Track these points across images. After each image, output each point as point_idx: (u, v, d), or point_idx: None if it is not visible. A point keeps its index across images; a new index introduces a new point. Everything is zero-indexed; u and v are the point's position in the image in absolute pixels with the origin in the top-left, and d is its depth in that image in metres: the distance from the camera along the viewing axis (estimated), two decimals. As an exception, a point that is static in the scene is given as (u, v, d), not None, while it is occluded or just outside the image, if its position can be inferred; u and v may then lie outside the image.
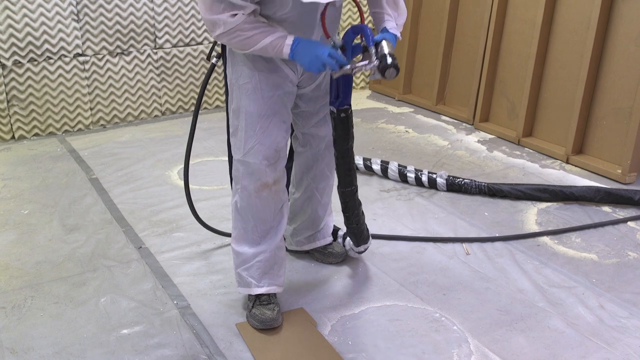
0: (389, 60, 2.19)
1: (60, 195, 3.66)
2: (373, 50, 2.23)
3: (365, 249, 2.88)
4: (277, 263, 2.55)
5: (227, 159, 2.76)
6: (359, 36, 2.33)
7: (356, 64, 2.24)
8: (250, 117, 2.35)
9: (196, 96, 5.14)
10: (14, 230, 3.28)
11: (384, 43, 2.24)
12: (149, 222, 3.35)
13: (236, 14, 2.11)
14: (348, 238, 2.90)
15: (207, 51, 5.04)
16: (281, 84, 2.36)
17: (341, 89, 2.41)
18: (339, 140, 2.48)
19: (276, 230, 2.51)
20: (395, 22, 2.41)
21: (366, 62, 2.22)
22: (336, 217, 2.99)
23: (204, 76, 5.09)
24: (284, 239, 2.67)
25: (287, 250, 2.94)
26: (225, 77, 2.50)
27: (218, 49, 2.65)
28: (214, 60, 2.63)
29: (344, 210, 2.65)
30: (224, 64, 2.51)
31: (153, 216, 3.41)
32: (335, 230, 3.01)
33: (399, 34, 2.37)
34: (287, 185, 2.69)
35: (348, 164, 2.54)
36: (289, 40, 2.17)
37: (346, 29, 2.36)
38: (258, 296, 2.54)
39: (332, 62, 2.17)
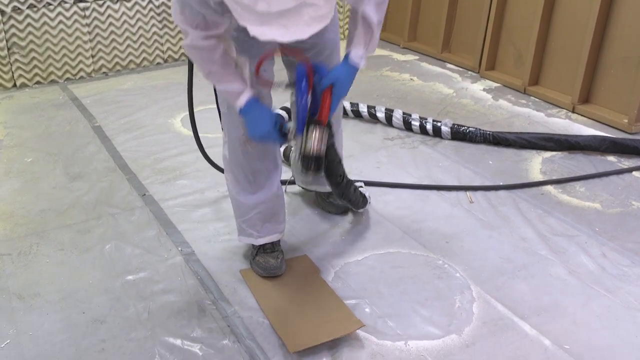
0: (305, 163, 2.13)
1: (63, 144, 3.65)
2: (290, 130, 2.16)
3: (365, 208, 2.89)
4: (276, 211, 2.53)
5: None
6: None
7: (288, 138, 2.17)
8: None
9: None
10: (18, 178, 3.28)
11: (310, 133, 2.12)
12: (152, 170, 3.34)
13: (207, 37, 2.00)
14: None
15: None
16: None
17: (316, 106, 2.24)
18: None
19: (270, 179, 2.47)
20: (363, 51, 2.19)
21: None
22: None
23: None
24: (283, 184, 2.65)
25: (294, 184, 2.96)
26: None
27: None
28: None
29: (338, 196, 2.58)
30: None
31: (156, 164, 3.41)
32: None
33: (362, 64, 2.19)
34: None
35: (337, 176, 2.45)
36: (242, 100, 2.11)
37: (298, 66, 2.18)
38: (261, 245, 2.55)
39: (271, 140, 2.16)
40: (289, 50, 2.24)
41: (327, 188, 2.77)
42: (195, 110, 2.89)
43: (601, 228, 2.86)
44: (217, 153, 3.32)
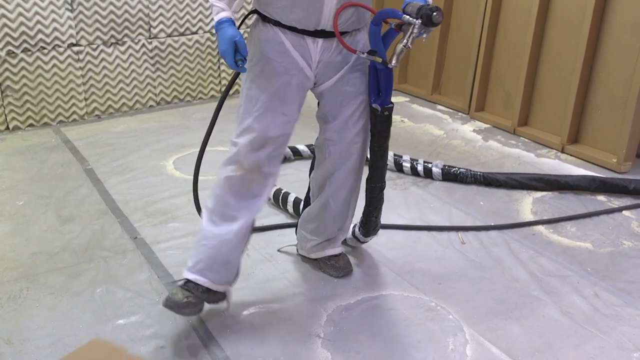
0: (426, 9, 2.10)
1: (55, 186, 3.65)
2: (407, 18, 2.15)
3: (370, 240, 2.89)
4: (221, 260, 2.41)
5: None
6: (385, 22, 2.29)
7: (398, 46, 2.18)
8: (250, 100, 2.36)
9: (191, 86, 5.12)
10: (9, 221, 3.27)
11: (411, 4, 2.17)
12: (144, 213, 3.34)
13: None
14: (356, 227, 2.86)
15: (202, 41, 5.03)
16: (288, 74, 2.33)
17: (382, 87, 2.38)
18: (380, 137, 2.48)
19: (234, 221, 2.40)
20: None
21: (408, 32, 2.15)
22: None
23: (199, 66, 5.10)
24: (285, 205, 2.73)
25: (298, 253, 2.93)
26: None
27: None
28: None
29: (369, 204, 2.66)
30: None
31: (148, 206, 3.41)
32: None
33: None
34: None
35: (383, 161, 2.55)
36: (219, 16, 2.20)
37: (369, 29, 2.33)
38: (187, 279, 2.42)
39: (230, 61, 2.16)
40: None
41: (327, 252, 2.80)
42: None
43: (593, 268, 2.87)
44: (207, 196, 3.32)
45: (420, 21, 2.11)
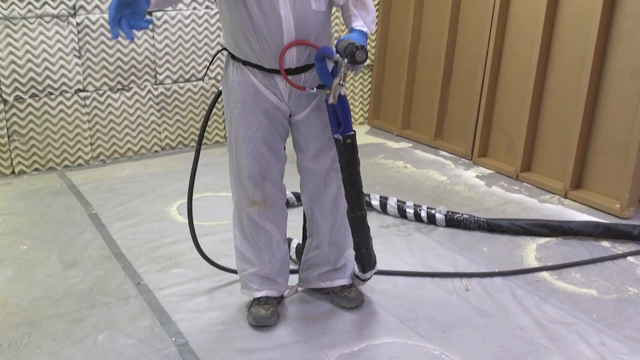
0: (351, 47, 2.23)
1: (59, 231, 3.66)
2: (336, 57, 2.28)
3: (372, 276, 2.86)
4: (277, 272, 2.76)
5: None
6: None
7: (334, 83, 2.31)
8: (237, 140, 2.55)
9: (196, 131, 5.17)
10: (12, 265, 3.27)
11: (341, 43, 2.29)
12: (147, 258, 3.34)
13: None
14: (355, 266, 2.87)
15: (207, 87, 5.09)
16: (266, 112, 2.49)
17: (341, 117, 2.45)
18: (347, 165, 2.52)
19: (277, 240, 2.71)
20: (363, 20, 2.45)
21: (340, 70, 2.28)
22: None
23: (204, 112, 5.15)
24: (289, 249, 2.88)
25: (305, 287, 2.99)
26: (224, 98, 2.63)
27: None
28: (221, 87, 2.65)
29: (354, 235, 2.67)
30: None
31: (152, 252, 3.41)
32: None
33: (366, 29, 2.43)
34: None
35: (357, 189, 2.57)
36: None
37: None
38: (258, 297, 2.74)
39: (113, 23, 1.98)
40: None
41: (337, 282, 2.86)
42: (195, 197, 2.94)
43: (599, 315, 2.85)
44: (213, 241, 3.36)
45: (346, 60, 2.24)
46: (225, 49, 2.55)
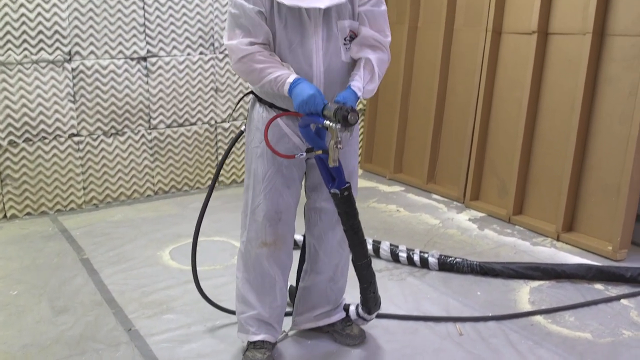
0: (341, 112, 2.24)
1: (50, 276, 3.63)
2: (327, 123, 2.30)
3: (374, 316, 2.90)
4: (277, 319, 2.76)
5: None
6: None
7: (331, 146, 2.33)
8: (256, 178, 2.59)
9: (189, 175, 5.18)
10: (2, 312, 3.23)
11: (328, 105, 2.31)
12: (139, 304, 3.31)
13: (251, 43, 2.33)
14: (352, 308, 2.93)
15: (201, 132, 5.13)
16: (288, 152, 2.52)
17: (334, 172, 2.47)
18: (348, 216, 2.54)
19: (279, 285, 2.72)
20: (362, 83, 2.45)
21: (334, 135, 2.30)
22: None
23: (197, 156, 5.17)
24: (289, 296, 2.88)
25: (303, 328, 2.98)
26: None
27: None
28: (243, 127, 2.73)
29: (361, 282, 2.70)
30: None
31: (144, 297, 3.38)
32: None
33: (359, 93, 2.42)
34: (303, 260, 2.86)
35: (359, 238, 2.60)
36: (291, 78, 2.32)
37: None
38: (254, 341, 2.74)
39: (316, 105, 2.28)
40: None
41: (334, 318, 2.91)
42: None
43: (593, 359, 2.83)
44: (206, 286, 3.32)
45: (339, 125, 2.26)
46: (252, 91, 2.63)
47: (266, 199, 2.58)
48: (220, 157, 5.27)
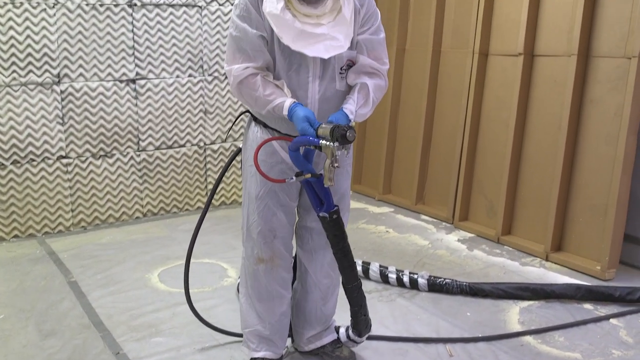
0: (339, 130, 2.25)
1: (37, 299, 3.60)
2: (324, 143, 2.30)
3: (365, 339, 2.90)
4: (276, 335, 2.76)
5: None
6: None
7: (326, 166, 2.33)
8: (250, 197, 2.62)
9: (178, 197, 5.17)
10: (-12, 336, 3.20)
11: (323, 125, 2.31)
12: (127, 327, 3.29)
13: (250, 68, 2.35)
14: (342, 330, 2.92)
15: (190, 153, 5.13)
16: (282, 172, 2.56)
17: (322, 196, 2.48)
18: (336, 239, 2.55)
19: (278, 302, 2.72)
20: (355, 106, 2.47)
21: (329, 154, 2.29)
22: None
23: (186, 177, 5.17)
24: (291, 309, 2.85)
25: (295, 349, 2.99)
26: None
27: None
28: (240, 145, 2.76)
29: (352, 304, 2.69)
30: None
31: (132, 320, 3.36)
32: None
33: (351, 116, 2.44)
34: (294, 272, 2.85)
35: (349, 260, 2.60)
36: (287, 103, 2.36)
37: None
38: (255, 358, 2.75)
39: (309, 128, 2.31)
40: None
41: (325, 340, 2.91)
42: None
43: (583, 380, 2.83)
44: (197, 309, 3.30)
45: (337, 143, 2.27)
46: (248, 111, 2.67)
47: (260, 217, 2.60)
48: (209, 179, 5.27)
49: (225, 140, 2.63)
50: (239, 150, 2.76)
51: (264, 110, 2.40)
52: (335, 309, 2.93)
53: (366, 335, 2.85)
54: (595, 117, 3.98)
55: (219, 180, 2.85)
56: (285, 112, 2.36)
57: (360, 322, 2.74)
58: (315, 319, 2.87)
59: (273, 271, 2.67)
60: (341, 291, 2.73)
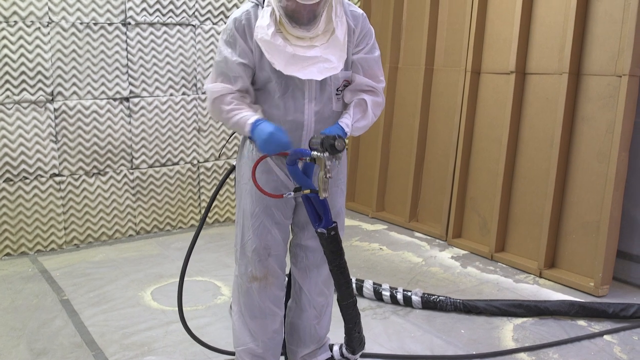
0: (328, 140, 2.27)
1: (29, 318, 3.57)
2: (315, 154, 2.32)
3: (358, 357, 2.88)
4: (271, 352, 2.75)
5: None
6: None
7: (320, 177, 2.34)
8: (245, 214, 2.61)
9: (171, 215, 5.16)
10: (-21, 355, 3.18)
11: (314, 138, 2.34)
12: (120, 346, 3.26)
13: (227, 88, 2.38)
14: (336, 347, 2.93)
15: (183, 171, 5.13)
16: (276, 189, 2.55)
17: (320, 211, 2.48)
18: (334, 255, 2.55)
19: (271, 319, 2.71)
20: (351, 120, 2.51)
21: (322, 165, 2.31)
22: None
23: (179, 195, 5.16)
24: (283, 328, 2.83)
25: None
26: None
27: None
28: (234, 162, 2.74)
29: (346, 322, 2.68)
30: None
31: (124, 339, 3.33)
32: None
33: (347, 129, 2.48)
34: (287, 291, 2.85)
35: (345, 277, 2.59)
36: (252, 119, 2.37)
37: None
38: None
39: (280, 140, 2.32)
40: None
41: (321, 358, 2.90)
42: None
43: (578, 397, 2.82)
44: (190, 327, 3.28)
45: (327, 154, 2.29)
46: None
47: (255, 235, 2.60)
48: (202, 197, 5.27)
49: (219, 158, 2.60)
50: (232, 168, 2.76)
51: (229, 124, 2.43)
52: (329, 327, 2.92)
53: (360, 353, 2.83)
54: (587, 134, 4.01)
55: (213, 198, 2.84)
56: (247, 129, 2.37)
57: (354, 339, 2.73)
58: (310, 337, 2.86)
59: (267, 289, 2.66)
60: (334, 309, 2.72)
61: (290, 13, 2.30)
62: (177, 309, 2.93)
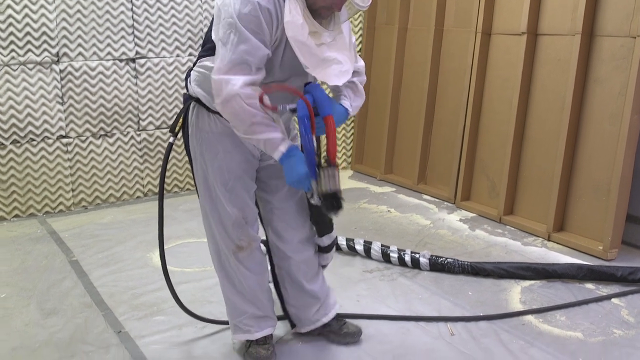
0: (334, 202, 2.32)
1: (38, 279, 3.60)
2: (316, 199, 2.38)
3: (331, 244, 2.86)
4: (271, 309, 2.79)
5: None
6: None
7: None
8: (217, 189, 2.56)
9: (179, 177, 5.16)
10: (-10, 315, 3.21)
11: (323, 175, 2.33)
12: (129, 306, 3.29)
13: (249, 83, 2.24)
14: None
15: (190, 133, 5.10)
16: (247, 160, 2.55)
17: (319, 103, 2.44)
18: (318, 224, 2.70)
19: (261, 279, 2.72)
20: (350, 102, 2.60)
21: (315, 192, 2.37)
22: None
23: (186, 157, 5.14)
24: (273, 280, 2.86)
25: (303, 331, 2.95)
26: (186, 148, 2.63)
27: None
28: (171, 139, 2.62)
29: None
30: (184, 136, 2.63)
31: (133, 299, 3.36)
32: None
33: (350, 110, 2.58)
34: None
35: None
36: (283, 147, 2.32)
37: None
38: (259, 338, 2.76)
39: (305, 184, 2.36)
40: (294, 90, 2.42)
41: (332, 315, 2.91)
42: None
43: (585, 358, 2.83)
44: (195, 288, 3.32)
45: (320, 202, 2.36)
46: (196, 99, 2.51)
47: (233, 207, 2.56)
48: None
49: (176, 137, 2.47)
50: (170, 146, 2.61)
51: (250, 133, 2.29)
52: (325, 283, 2.89)
53: (328, 238, 2.82)
54: (599, 96, 3.95)
55: (162, 176, 2.75)
56: (277, 155, 2.32)
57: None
58: (310, 295, 2.83)
59: (253, 254, 2.67)
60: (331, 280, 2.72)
61: (319, 8, 2.29)
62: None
